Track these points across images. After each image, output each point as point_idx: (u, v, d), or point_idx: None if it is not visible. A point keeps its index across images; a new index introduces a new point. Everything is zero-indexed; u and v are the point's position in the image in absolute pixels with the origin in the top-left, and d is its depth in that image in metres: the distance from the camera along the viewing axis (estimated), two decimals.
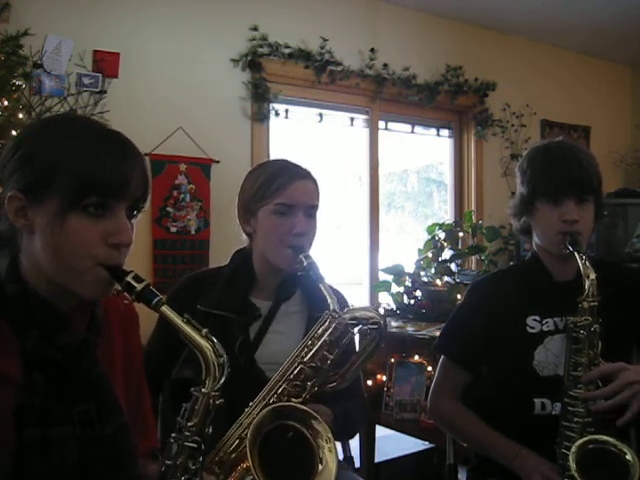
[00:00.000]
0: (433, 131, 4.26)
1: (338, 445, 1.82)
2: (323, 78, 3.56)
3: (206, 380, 0.96)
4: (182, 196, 3.16)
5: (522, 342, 1.56)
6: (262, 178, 1.55)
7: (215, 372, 0.96)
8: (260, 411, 1.30)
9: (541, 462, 1.44)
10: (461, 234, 3.57)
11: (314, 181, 1.60)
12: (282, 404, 1.31)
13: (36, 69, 2.72)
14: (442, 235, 3.46)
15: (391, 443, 3.26)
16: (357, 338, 1.53)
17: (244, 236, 1.65)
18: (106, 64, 2.93)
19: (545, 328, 1.56)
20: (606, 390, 1.36)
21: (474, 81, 4.15)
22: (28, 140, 0.97)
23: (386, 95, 3.85)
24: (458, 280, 3.29)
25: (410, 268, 3.37)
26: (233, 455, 1.33)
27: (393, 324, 3.03)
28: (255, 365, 1.52)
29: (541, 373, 1.53)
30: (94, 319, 1.03)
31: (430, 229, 3.50)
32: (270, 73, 3.39)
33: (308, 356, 1.39)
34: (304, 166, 1.61)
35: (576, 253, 1.45)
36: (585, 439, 1.36)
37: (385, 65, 3.79)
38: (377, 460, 3.02)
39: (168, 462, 0.96)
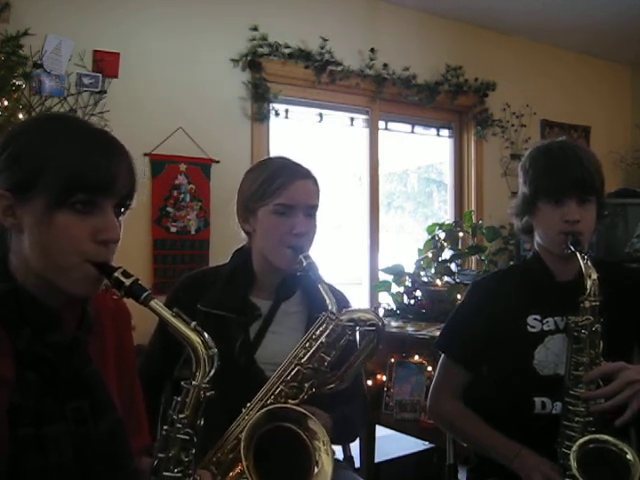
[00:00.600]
0: (433, 131, 4.26)
1: (338, 446, 1.83)
2: (323, 78, 3.56)
3: (196, 372, 0.96)
4: (182, 196, 3.16)
5: (522, 341, 1.56)
6: (262, 177, 1.54)
7: (205, 364, 0.96)
8: (257, 412, 1.30)
9: (541, 462, 1.44)
10: (461, 234, 3.57)
11: (314, 180, 1.58)
12: (277, 405, 1.31)
13: (36, 69, 2.72)
14: (442, 235, 3.46)
15: (391, 443, 3.26)
16: (358, 336, 1.52)
17: (243, 235, 1.64)
18: (106, 64, 2.93)
19: (546, 327, 1.56)
20: (606, 389, 1.36)
21: (474, 81, 4.16)
22: (15, 139, 0.97)
23: (386, 95, 3.86)
24: (458, 280, 3.29)
25: (410, 268, 3.37)
26: (231, 455, 1.32)
27: (393, 324, 3.03)
28: (255, 365, 1.52)
29: (541, 372, 1.53)
30: (85, 317, 1.04)
31: (430, 229, 3.50)
32: (270, 73, 3.39)
33: (305, 357, 1.38)
34: (304, 165, 1.59)
35: (578, 253, 1.45)
36: (586, 438, 1.36)
37: (385, 65, 3.79)
38: (377, 460, 3.01)
39: (161, 455, 0.97)
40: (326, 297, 1.41)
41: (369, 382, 2.85)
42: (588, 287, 1.42)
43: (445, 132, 4.30)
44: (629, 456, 1.31)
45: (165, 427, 0.97)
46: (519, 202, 1.61)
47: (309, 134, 3.80)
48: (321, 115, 3.70)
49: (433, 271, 3.36)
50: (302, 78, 3.53)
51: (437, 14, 4.05)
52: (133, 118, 2.97)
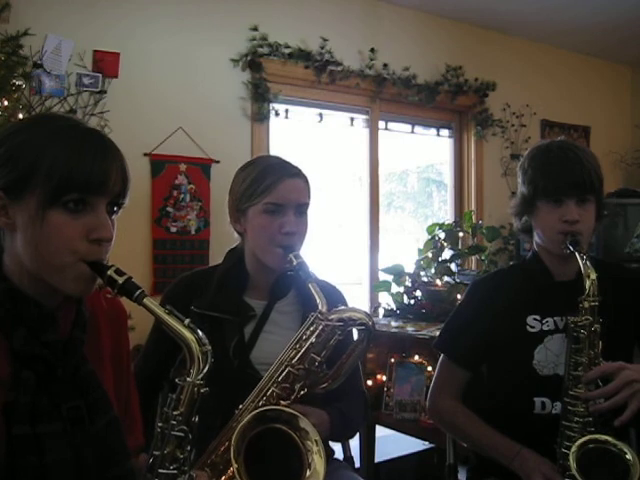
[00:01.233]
0: (433, 131, 4.26)
1: (338, 445, 1.83)
2: (323, 78, 3.56)
3: (190, 369, 0.97)
4: (182, 196, 3.16)
5: (522, 341, 1.56)
6: (251, 177, 1.53)
7: (199, 361, 0.96)
8: (249, 414, 1.29)
9: (541, 462, 1.44)
10: (461, 234, 3.57)
11: (304, 179, 1.57)
12: (267, 407, 1.30)
13: (36, 69, 2.72)
14: (442, 235, 3.46)
15: (391, 443, 3.26)
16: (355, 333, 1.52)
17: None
18: (106, 64, 2.93)
19: (545, 327, 1.56)
20: (605, 389, 1.37)
21: (474, 81, 4.15)
22: (8, 140, 0.98)
23: (386, 95, 3.86)
24: (458, 280, 3.28)
25: (410, 268, 3.37)
26: (224, 458, 1.32)
27: (393, 324, 3.03)
28: (250, 365, 1.51)
29: (541, 372, 1.54)
30: (80, 316, 1.04)
31: (430, 229, 3.50)
32: (270, 73, 3.39)
33: (296, 358, 1.38)
34: (294, 163, 1.58)
35: (577, 253, 1.45)
36: (585, 439, 1.36)
37: (385, 65, 3.79)
38: (377, 460, 3.02)
39: (156, 452, 0.97)
40: (316, 297, 1.41)
41: (369, 382, 2.86)
42: (587, 287, 1.43)
43: (445, 132, 4.30)
44: (628, 456, 1.31)
45: (160, 424, 0.98)
46: (518, 202, 1.61)
47: (309, 134, 3.80)
48: (321, 115, 3.70)
49: (433, 271, 3.36)
50: (302, 78, 3.53)
51: (437, 14, 4.05)
52: (133, 118, 2.97)
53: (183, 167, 3.16)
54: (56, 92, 2.80)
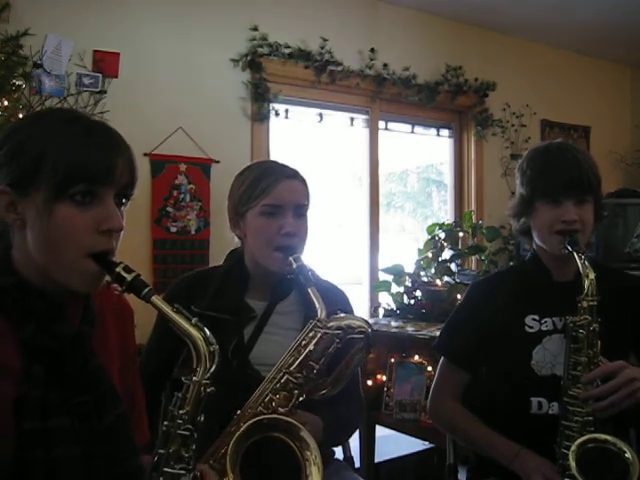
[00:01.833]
0: (433, 131, 4.26)
1: (335, 447, 1.83)
2: (323, 78, 3.56)
3: (197, 368, 0.97)
4: (182, 196, 3.16)
5: (521, 342, 1.56)
6: (248, 180, 1.54)
7: (206, 360, 0.96)
8: (246, 421, 1.28)
9: (541, 462, 1.44)
10: (461, 234, 3.57)
11: (302, 180, 1.57)
12: (265, 416, 1.29)
13: (36, 69, 2.72)
14: (442, 235, 3.46)
15: (391, 443, 3.26)
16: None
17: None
18: (106, 64, 2.93)
19: (544, 328, 1.56)
20: (605, 387, 1.37)
21: (474, 81, 4.15)
22: (13, 135, 0.98)
23: (386, 95, 3.85)
24: (458, 280, 3.28)
25: (410, 268, 3.37)
26: (222, 462, 1.30)
27: (393, 324, 3.03)
28: (249, 366, 1.51)
29: (539, 373, 1.54)
30: (88, 311, 1.04)
31: (430, 229, 3.50)
32: (270, 73, 3.39)
33: (294, 366, 1.38)
34: (291, 166, 1.58)
35: (575, 253, 1.45)
36: (585, 438, 1.36)
37: (385, 65, 3.79)
38: (377, 460, 3.02)
39: (161, 451, 0.97)
40: (316, 302, 1.40)
41: (369, 382, 2.86)
42: (586, 287, 1.43)
43: (445, 132, 4.29)
44: (628, 455, 1.31)
45: (165, 423, 0.98)
46: (516, 203, 1.61)
47: (309, 134, 3.80)
48: (321, 115, 3.70)
49: (433, 271, 3.36)
50: (302, 78, 3.53)
51: (437, 14, 4.05)
52: (133, 118, 2.96)
53: (183, 167, 3.16)
54: (56, 92, 2.80)
